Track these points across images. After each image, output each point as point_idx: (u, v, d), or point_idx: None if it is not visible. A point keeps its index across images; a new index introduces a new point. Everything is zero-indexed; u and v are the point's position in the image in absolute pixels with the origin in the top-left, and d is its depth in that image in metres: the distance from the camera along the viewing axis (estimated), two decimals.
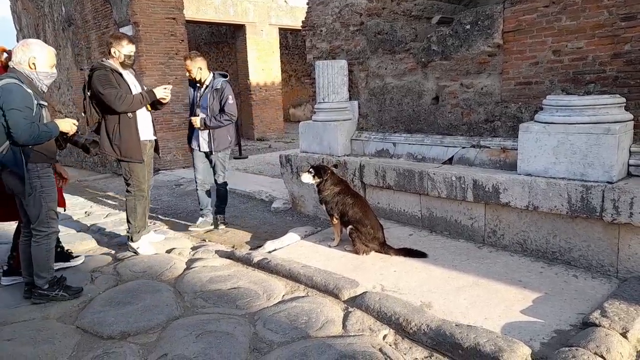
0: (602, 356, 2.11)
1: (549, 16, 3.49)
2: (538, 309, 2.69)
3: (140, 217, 4.17)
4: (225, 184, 5.00)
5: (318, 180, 3.92)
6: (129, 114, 3.95)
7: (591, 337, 2.23)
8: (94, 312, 3.03)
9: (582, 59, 3.38)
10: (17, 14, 15.00)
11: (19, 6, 14.54)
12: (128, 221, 4.18)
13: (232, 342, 2.55)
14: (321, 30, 5.55)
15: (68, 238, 4.54)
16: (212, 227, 5.00)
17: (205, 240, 4.66)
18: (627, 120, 3.14)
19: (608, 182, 3.03)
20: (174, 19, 8.92)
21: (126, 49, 4.05)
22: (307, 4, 5.74)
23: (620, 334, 2.29)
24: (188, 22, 10.00)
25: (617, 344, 2.19)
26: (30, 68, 2.97)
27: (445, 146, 4.32)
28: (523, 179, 3.39)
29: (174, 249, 4.28)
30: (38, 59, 2.99)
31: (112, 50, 4.02)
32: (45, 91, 3.17)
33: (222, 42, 14.51)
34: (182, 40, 9.12)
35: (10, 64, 3.02)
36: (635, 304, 2.53)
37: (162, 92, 4.13)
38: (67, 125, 3.14)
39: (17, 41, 16.66)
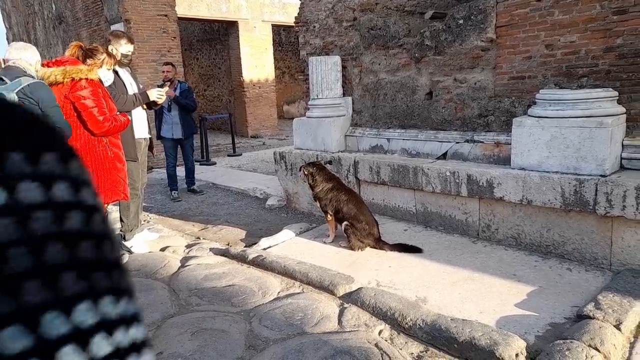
0: (596, 348, 2.12)
1: (542, 10, 3.49)
2: (532, 303, 2.71)
3: (133, 216, 4.14)
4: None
5: (310, 179, 3.92)
6: None
7: (585, 329, 2.25)
8: None
9: (575, 52, 3.39)
10: (7, 12, 14.84)
11: (8, 4, 14.39)
12: (121, 220, 4.15)
13: (228, 340, 2.54)
14: (314, 26, 5.53)
15: None
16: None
17: (199, 238, 4.64)
18: (620, 114, 3.15)
19: (601, 176, 3.04)
20: (165, 16, 8.86)
21: (124, 47, 4.03)
22: None
23: (614, 326, 2.30)
24: (180, 19, 9.92)
25: (611, 336, 2.21)
26: (36, 71, 3.03)
27: (439, 141, 4.32)
28: (517, 173, 3.40)
29: (168, 247, 4.26)
30: (38, 64, 3.08)
31: (110, 47, 3.99)
32: None
33: (215, 39, 14.42)
34: (174, 38, 9.05)
35: (15, 63, 3.01)
36: (629, 296, 2.55)
37: (156, 95, 4.11)
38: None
39: (7, 40, 16.47)
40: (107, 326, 0.27)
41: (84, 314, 0.26)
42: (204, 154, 9.14)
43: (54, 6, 10.95)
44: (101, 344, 0.26)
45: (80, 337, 0.26)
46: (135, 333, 0.29)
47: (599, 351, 2.11)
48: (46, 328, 0.25)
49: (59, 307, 0.26)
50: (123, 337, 0.28)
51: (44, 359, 0.24)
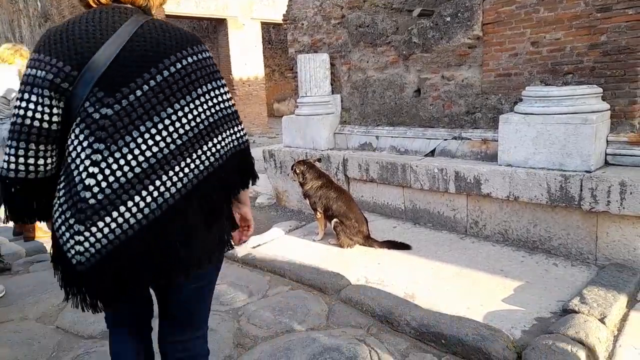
0: (580, 342, 2.15)
1: (527, 7, 3.52)
2: (519, 298, 2.73)
3: None
4: None
5: (301, 177, 3.93)
6: None
7: (570, 323, 2.28)
8: (75, 311, 2.97)
9: (560, 50, 3.42)
10: None
11: None
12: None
13: (216, 338, 2.53)
14: (302, 24, 5.51)
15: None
16: None
17: None
18: (604, 110, 3.18)
19: (586, 172, 3.08)
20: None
21: None
22: None
23: (599, 319, 2.34)
24: (168, 17, 9.85)
25: (596, 329, 2.24)
26: None
27: (428, 138, 4.34)
28: (504, 170, 3.42)
29: None
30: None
31: None
32: None
33: (204, 37, 14.32)
34: None
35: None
36: (613, 290, 2.59)
37: None
38: None
39: None
40: None
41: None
42: None
43: (39, 4, 10.81)
44: None
45: None
46: None
47: (583, 344, 2.14)
48: None
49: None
50: None
51: None
